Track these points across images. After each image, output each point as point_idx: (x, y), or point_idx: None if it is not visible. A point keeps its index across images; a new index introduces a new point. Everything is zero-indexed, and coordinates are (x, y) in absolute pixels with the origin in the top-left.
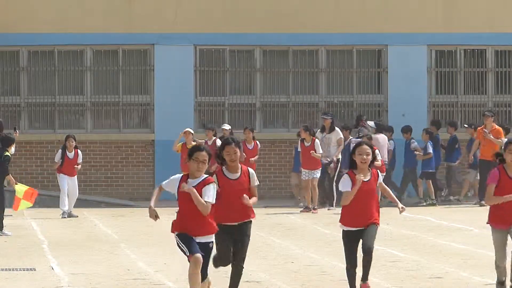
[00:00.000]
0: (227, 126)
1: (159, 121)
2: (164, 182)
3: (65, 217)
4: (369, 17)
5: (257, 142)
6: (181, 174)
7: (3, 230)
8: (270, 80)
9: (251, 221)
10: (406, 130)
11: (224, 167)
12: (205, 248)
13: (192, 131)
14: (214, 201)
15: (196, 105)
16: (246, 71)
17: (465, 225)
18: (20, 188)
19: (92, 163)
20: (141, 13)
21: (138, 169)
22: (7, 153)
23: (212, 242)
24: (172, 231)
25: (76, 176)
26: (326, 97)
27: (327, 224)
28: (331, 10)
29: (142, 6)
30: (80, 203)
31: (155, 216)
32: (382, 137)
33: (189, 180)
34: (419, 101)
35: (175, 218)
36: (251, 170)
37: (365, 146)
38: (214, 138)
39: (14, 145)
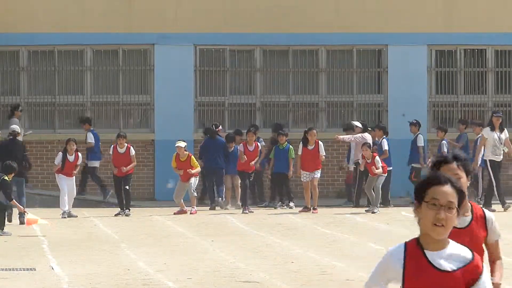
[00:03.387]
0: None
1: (159, 121)
2: (370, 276)
3: (65, 217)
4: (369, 17)
5: (258, 144)
6: (403, 243)
7: (3, 230)
8: (270, 80)
9: None
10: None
11: None
12: None
13: (183, 145)
14: None
15: (196, 105)
16: (246, 71)
17: None
18: (32, 217)
19: None
20: (141, 13)
21: (138, 169)
22: (5, 177)
23: None
24: None
25: (74, 177)
26: (326, 97)
27: (327, 224)
28: (331, 10)
29: (142, 6)
30: (80, 203)
31: None
32: (369, 137)
33: (426, 253)
34: (419, 101)
35: None
36: (487, 212)
37: None
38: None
39: (13, 174)
